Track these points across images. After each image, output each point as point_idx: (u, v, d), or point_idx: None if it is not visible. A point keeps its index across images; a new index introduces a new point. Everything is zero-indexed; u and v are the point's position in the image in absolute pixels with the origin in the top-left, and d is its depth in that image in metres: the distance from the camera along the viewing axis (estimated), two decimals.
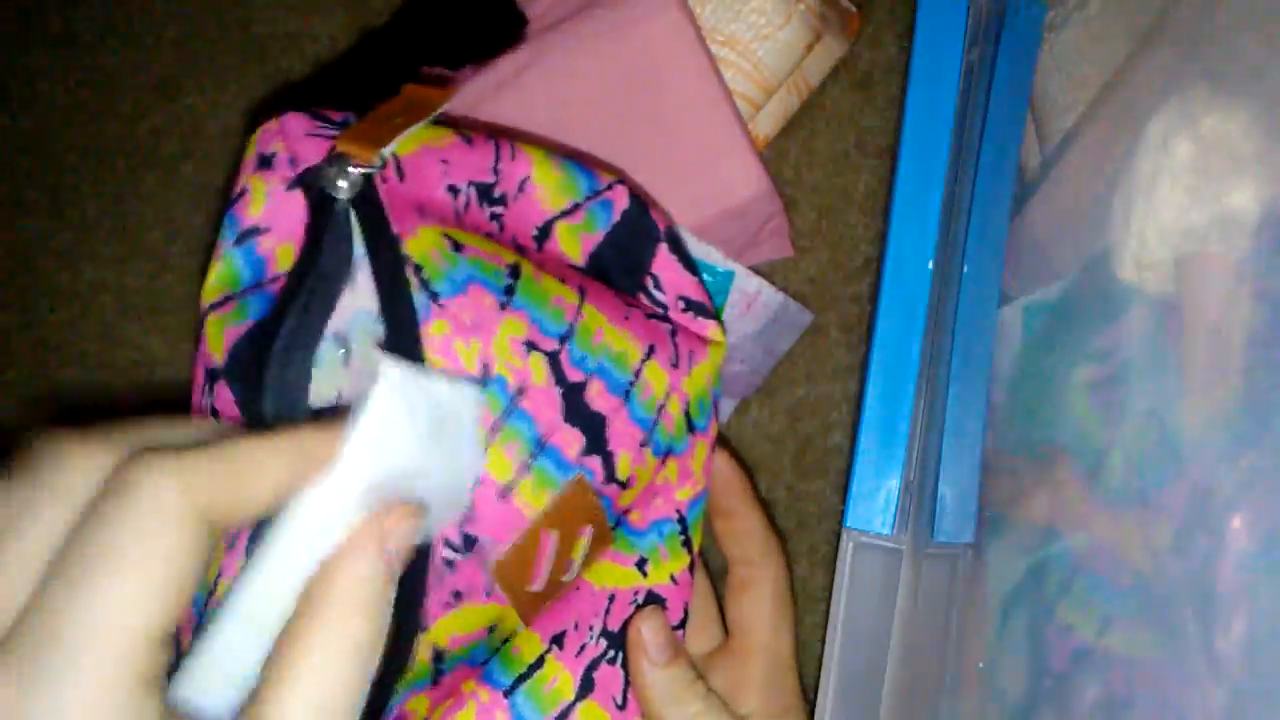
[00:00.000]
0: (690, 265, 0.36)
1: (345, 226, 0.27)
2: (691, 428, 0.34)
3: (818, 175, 0.50)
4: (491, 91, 0.45)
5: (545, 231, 0.33)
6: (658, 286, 0.35)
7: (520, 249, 0.32)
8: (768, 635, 0.37)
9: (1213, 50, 0.34)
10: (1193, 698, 0.28)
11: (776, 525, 0.49)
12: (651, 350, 0.33)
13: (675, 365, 0.33)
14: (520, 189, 0.32)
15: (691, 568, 0.35)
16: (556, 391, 0.30)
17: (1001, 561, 0.41)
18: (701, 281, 0.36)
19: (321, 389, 0.26)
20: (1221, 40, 0.34)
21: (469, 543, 0.28)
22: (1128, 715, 0.31)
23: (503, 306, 0.29)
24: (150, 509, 0.19)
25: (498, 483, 0.28)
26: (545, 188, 0.33)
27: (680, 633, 0.35)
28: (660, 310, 0.35)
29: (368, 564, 0.21)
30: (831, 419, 0.49)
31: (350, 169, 0.27)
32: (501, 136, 0.33)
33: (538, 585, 0.31)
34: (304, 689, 0.20)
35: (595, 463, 0.31)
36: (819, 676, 0.41)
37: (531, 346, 0.29)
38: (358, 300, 0.27)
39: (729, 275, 0.45)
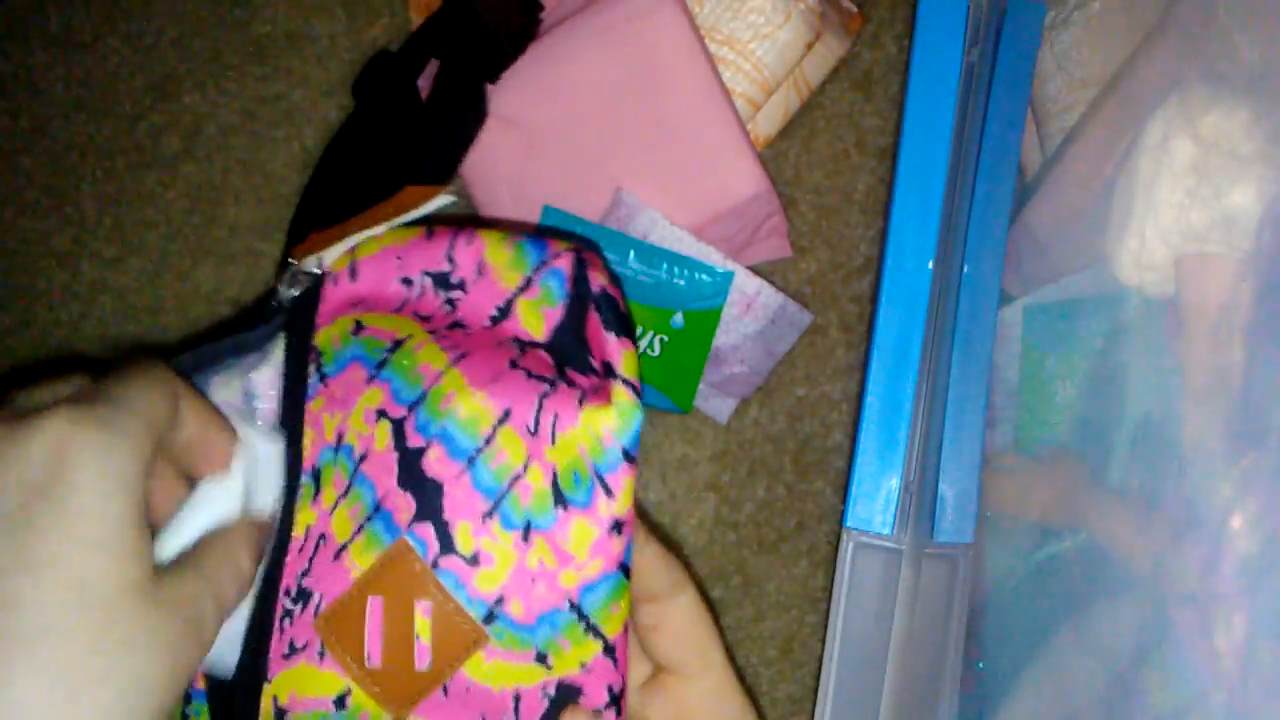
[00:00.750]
0: (620, 327, 0.33)
1: (275, 320, 0.33)
2: (562, 501, 0.31)
3: (818, 175, 0.50)
4: (491, 93, 0.46)
5: (505, 310, 0.33)
6: (591, 354, 0.34)
7: (450, 328, 0.33)
8: (698, 664, 0.35)
9: (1213, 50, 0.34)
10: (1193, 698, 0.28)
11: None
12: (506, 415, 0.31)
13: (533, 432, 0.31)
14: (479, 272, 0.34)
15: (609, 650, 0.32)
16: (394, 457, 0.31)
17: (1001, 561, 0.41)
18: (631, 345, 0.33)
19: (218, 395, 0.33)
20: (1221, 40, 0.34)
21: (303, 595, 0.30)
22: (1128, 715, 0.31)
23: (370, 379, 0.32)
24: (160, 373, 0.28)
25: (336, 541, 0.31)
26: (499, 267, 0.34)
27: (611, 711, 0.32)
28: (581, 383, 0.33)
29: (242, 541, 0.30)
30: (831, 419, 0.49)
31: (300, 276, 0.33)
32: (465, 226, 0.34)
33: (375, 659, 0.30)
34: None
35: (427, 530, 0.30)
36: (819, 676, 0.41)
37: (381, 414, 0.31)
38: (271, 372, 0.33)
39: (728, 276, 0.45)
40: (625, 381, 0.32)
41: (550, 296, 0.33)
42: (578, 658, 0.32)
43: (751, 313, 0.46)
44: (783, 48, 0.45)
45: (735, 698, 0.35)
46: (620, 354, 0.32)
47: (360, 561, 0.30)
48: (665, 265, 0.45)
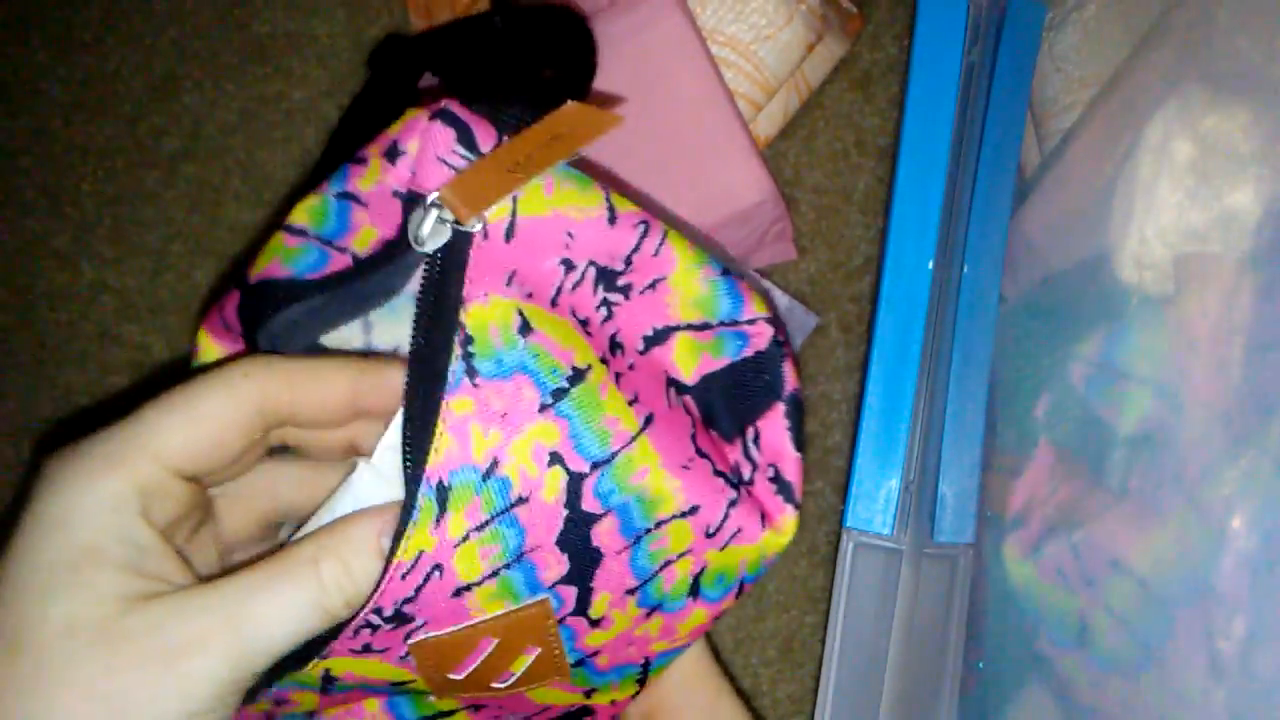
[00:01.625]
0: (801, 442, 0.32)
1: (409, 271, 0.28)
2: (697, 593, 0.30)
3: (818, 175, 0.50)
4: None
5: (661, 336, 0.30)
6: (756, 444, 0.32)
7: (613, 350, 0.29)
8: (705, 704, 0.35)
9: (1212, 51, 0.34)
10: (1193, 698, 0.28)
11: None
12: (692, 511, 0.29)
13: (710, 535, 0.30)
14: (651, 286, 0.30)
15: (638, 693, 0.33)
16: (562, 514, 0.27)
17: (1001, 561, 0.41)
18: (803, 465, 0.32)
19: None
20: (1221, 41, 0.34)
21: (400, 618, 0.26)
22: (1128, 714, 0.31)
23: (544, 408, 0.27)
24: (220, 378, 0.25)
25: (458, 579, 0.26)
26: (680, 295, 0.30)
27: None
28: (744, 472, 0.32)
29: (374, 531, 0.26)
30: (831, 419, 0.49)
31: (443, 222, 0.27)
32: (655, 221, 0.30)
33: (458, 675, 0.29)
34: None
35: (569, 593, 0.28)
36: (819, 676, 0.41)
37: (556, 459, 0.27)
38: (400, 333, 0.28)
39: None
40: (798, 507, 0.31)
41: (720, 349, 0.31)
42: (615, 696, 0.32)
43: None
44: (784, 49, 0.45)
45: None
46: (800, 475, 0.31)
47: (487, 607, 0.27)
48: None
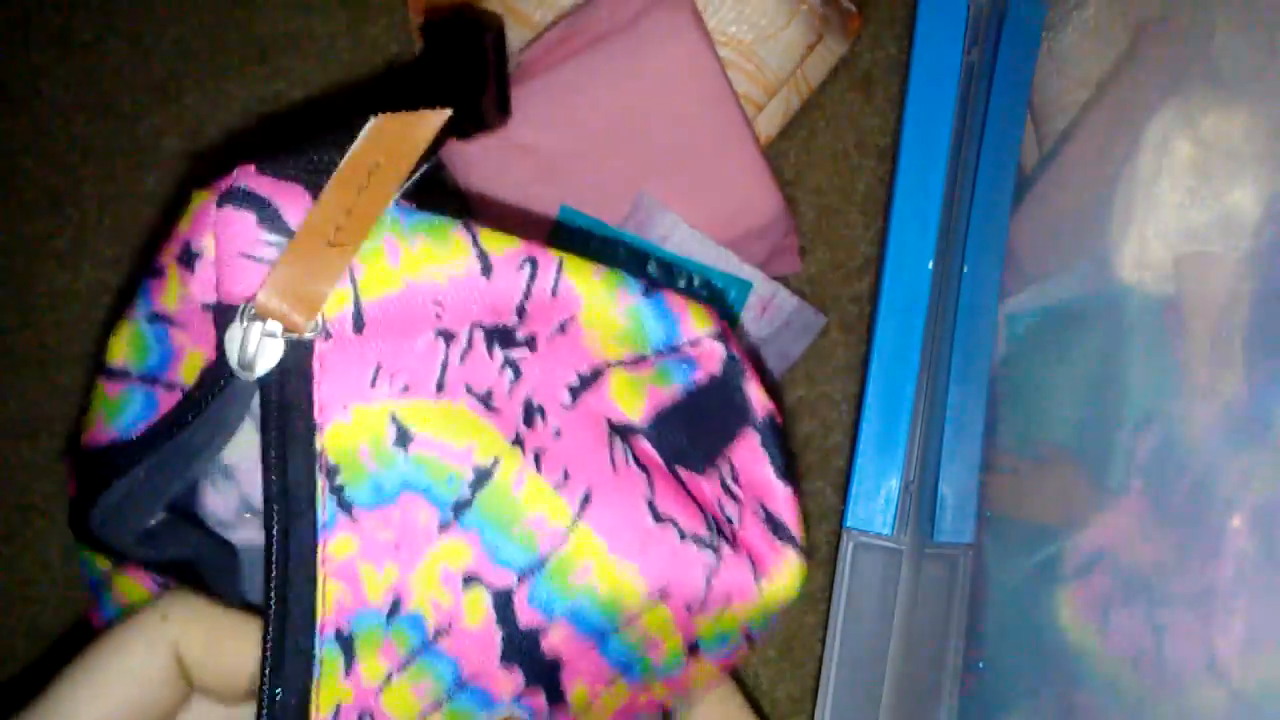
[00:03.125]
0: (787, 470, 0.27)
1: (242, 399, 0.23)
2: (696, 652, 0.27)
3: (818, 175, 0.50)
4: (510, 127, 0.45)
5: (590, 379, 0.25)
6: (734, 479, 0.27)
7: (529, 420, 0.24)
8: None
9: (1212, 50, 0.34)
10: (1193, 698, 0.28)
11: None
12: (662, 595, 0.25)
13: (695, 610, 0.25)
14: (561, 330, 0.25)
15: None
16: (497, 635, 0.24)
17: (1001, 561, 0.40)
18: (797, 493, 0.27)
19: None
20: (1221, 40, 0.34)
21: None
22: (1128, 715, 0.31)
23: (444, 526, 0.23)
24: (134, 630, 0.22)
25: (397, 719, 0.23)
26: (599, 333, 0.25)
27: None
28: (728, 511, 0.27)
29: None
30: (831, 419, 0.49)
31: (270, 336, 0.21)
32: (545, 254, 0.24)
33: None
34: None
35: (537, 699, 0.25)
36: (819, 676, 0.41)
37: (473, 581, 0.23)
38: (244, 488, 0.24)
39: (746, 285, 0.45)
40: (802, 549, 0.27)
41: (667, 378, 0.26)
42: None
43: (767, 316, 0.46)
44: (785, 49, 0.45)
45: None
46: (794, 510, 0.27)
47: None
48: (685, 274, 0.45)
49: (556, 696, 0.25)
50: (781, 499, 0.27)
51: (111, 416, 0.24)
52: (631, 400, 0.26)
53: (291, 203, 0.22)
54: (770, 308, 0.45)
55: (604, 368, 0.25)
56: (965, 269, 0.42)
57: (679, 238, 0.45)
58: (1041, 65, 0.44)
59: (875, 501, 0.41)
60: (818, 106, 0.50)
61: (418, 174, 0.22)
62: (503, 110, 0.42)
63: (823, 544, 0.48)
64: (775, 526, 0.27)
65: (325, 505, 0.22)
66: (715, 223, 0.45)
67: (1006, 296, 0.43)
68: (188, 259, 0.23)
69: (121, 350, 0.25)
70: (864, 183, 0.50)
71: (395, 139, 0.22)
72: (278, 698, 0.22)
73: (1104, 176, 0.38)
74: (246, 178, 0.23)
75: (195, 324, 0.23)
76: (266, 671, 0.22)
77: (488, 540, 0.23)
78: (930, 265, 0.42)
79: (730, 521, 0.27)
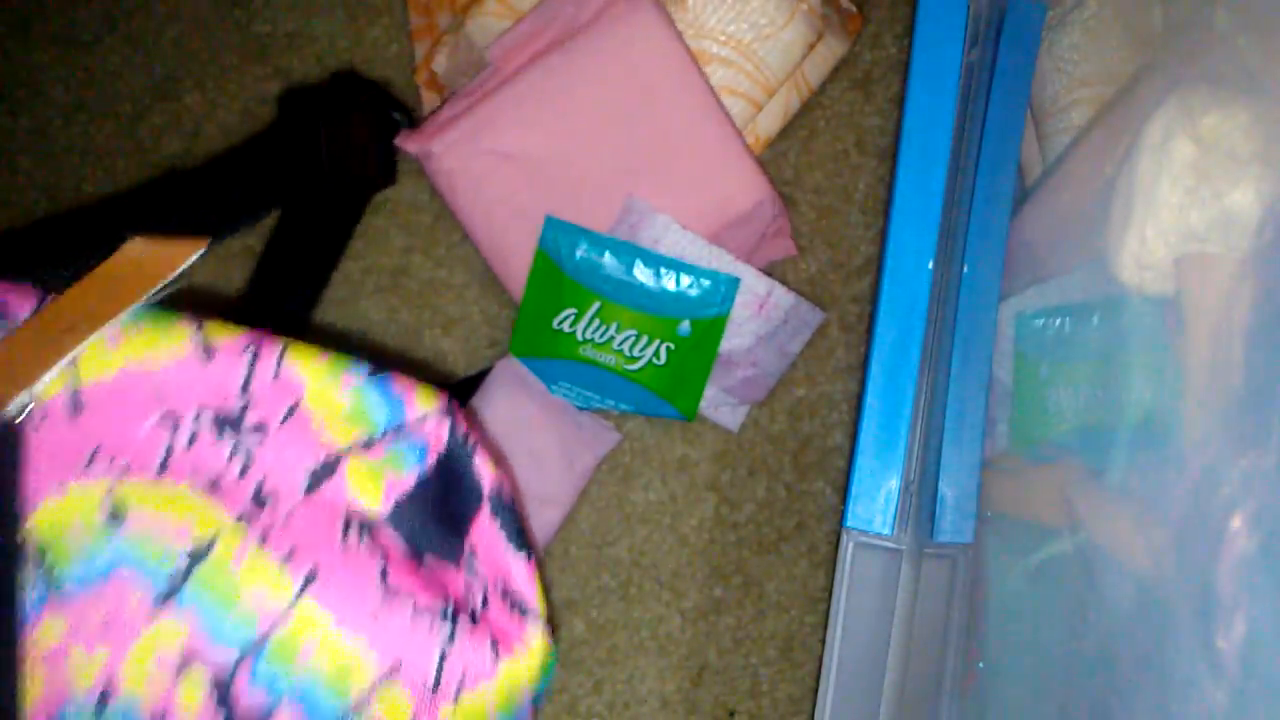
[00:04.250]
0: (521, 539, 0.27)
1: None
2: None
3: (818, 175, 0.50)
4: (486, 126, 0.45)
5: (327, 470, 0.25)
6: (475, 558, 0.27)
7: (260, 503, 0.25)
8: None
9: (1212, 52, 0.34)
10: (1193, 698, 0.28)
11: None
12: (394, 670, 0.24)
13: (432, 689, 0.25)
14: (289, 415, 0.25)
15: None
16: (217, 717, 0.23)
17: (1001, 561, 0.40)
18: (534, 561, 0.27)
19: None
20: (1220, 42, 0.34)
21: None
22: (1128, 715, 0.31)
23: (159, 603, 0.23)
24: None
25: None
26: (324, 415, 0.25)
27: None
28: (474, 598, 0.27)
29: None
30: (831, 419, 0.49)
31: None
32: (268, 341, 0.25)
33: None
34: None
35: None
36: (819, 676, 0.41)
37: (191, 659, 0.23)
38: None
39: (735, 282, 0.45)
40: (541, 617, 0.27)
41: (399, 464, 0.26)
42: None
43: (764, 313, 0.46)
44: (785, 48, 0.45)
45: None
46: (532, 580, 0.27)
47: None
48: (672, 274, 0.45)
49: None
50: (520, 574, 0.27)
51: None
52: (371, 489, 0.26)
53: (18, 300, 0.23)
54: (767, 305, 0.45)
55: (340, 455, 0.26)
56: (965, 269, 0.42)
57: (671, 239, 0.45)
58: (1041, 65, 0.44)
59: (875, 501, 0.41)
60: (818, 106, 0.50)
61: (169, 288, 0.24)
62: (387, 179, 0.43)
63: (823, 544, 0.48)
64: (515, 602, 0.27)
65: (32, 585, 0.22)
66: (702, 211, 0.45)
67: (1006, 297, 0.43)
68: None
69: None
70: (864, 183, 0.50)
71: (150, 259, 0.23)
72: None
73: (1104, 177, 0.38)
74: None
75: None
76: None
77: (207, 617, 0.23)
78: (930, 265, 0.42)
79: (476, 603, 0.27)
